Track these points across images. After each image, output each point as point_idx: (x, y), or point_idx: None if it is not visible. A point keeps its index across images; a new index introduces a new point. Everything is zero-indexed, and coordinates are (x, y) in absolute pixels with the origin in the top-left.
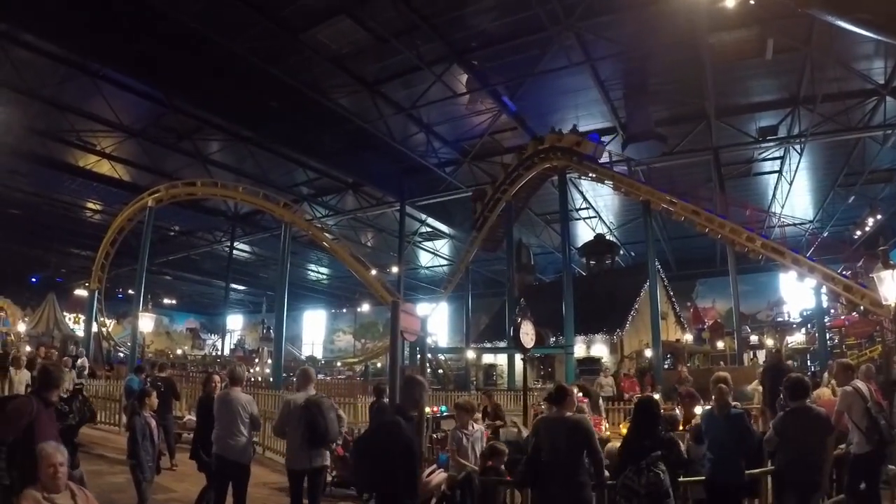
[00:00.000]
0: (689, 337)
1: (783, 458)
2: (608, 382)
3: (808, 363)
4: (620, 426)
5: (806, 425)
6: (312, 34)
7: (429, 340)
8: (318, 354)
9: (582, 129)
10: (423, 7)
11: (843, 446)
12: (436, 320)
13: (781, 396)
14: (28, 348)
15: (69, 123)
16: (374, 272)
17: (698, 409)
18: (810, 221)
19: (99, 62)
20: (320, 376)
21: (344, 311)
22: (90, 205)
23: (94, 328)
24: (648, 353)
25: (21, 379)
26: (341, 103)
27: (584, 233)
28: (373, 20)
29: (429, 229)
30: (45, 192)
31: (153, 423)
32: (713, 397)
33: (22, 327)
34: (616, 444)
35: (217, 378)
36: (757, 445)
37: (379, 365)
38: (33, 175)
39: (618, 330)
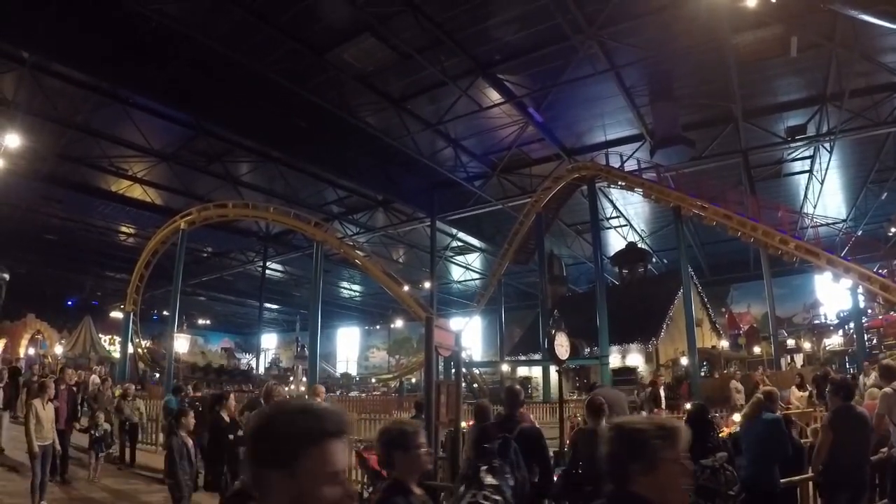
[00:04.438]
0: (724, 343)
1: (833, 460)
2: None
3: (847, 365)
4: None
5: (852, 425)
6: (337, 53)
7: (463, 355)
8: (353, 371)
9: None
10: (445, 22)
11: (884, 450)
12: (469, 334)
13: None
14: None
15: (101, 150)
16: (406, 288)
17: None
18: (843, 220)
19: (128, 89)
20: (354, 393)
21: (377, 327)
22: (124, 228)
23: (130, 349)
24: (684, 361)
25: (48, 415)
26: (368, 121)
27: (615, 242)
28: (396, 37)
29: (460, 244)
30: (80, 217)
31: (190, 442)
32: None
33: (59, 350)
34: None
35: (233, 397)
36: (795, 452)
37: (414, 381)
38: (68, 201)
39: (653, 338)
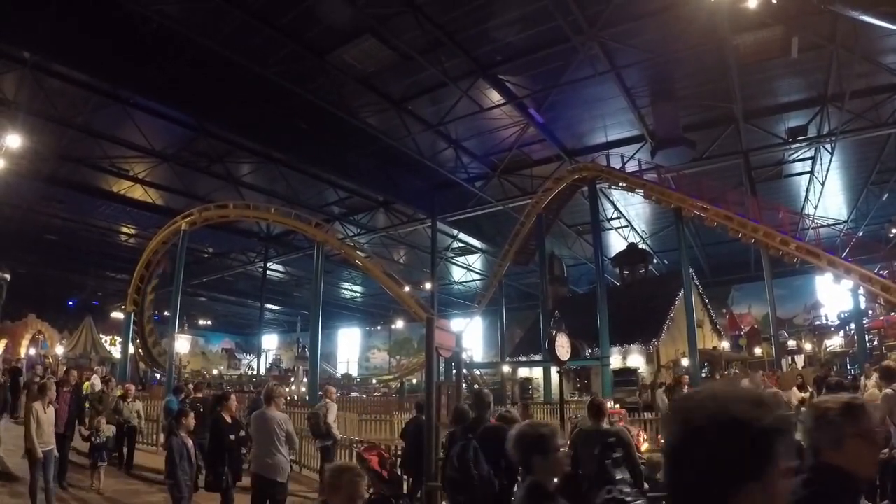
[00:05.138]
0: (725, 344)
1: None
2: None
3: (848, 366)
4: (660, 437)
5: None
6: (338, 55)
7: (464, 356)
8: (354, 372)
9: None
10: (446, 23)
11: (885, 451)
12: (470, 335)
13: None
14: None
15: (102, 150)
16: (407, 289)
17: None
18: (844, 221)
19: (129, 90)
20: (355, 394)
21: (378, 328)
22: (125, 229)
23: (131, 349)
24: (685, 362)
25: (50, 418)
26: (370, 122)
27: (616, 243)
28: (397, 38)
29: (461, 244)
30: (81, 218)
31: (190, 443)
32: None
33: (60, 350)
34: (659, 454)
35: (234, 398)
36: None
37: (414, 381)
38: (69, 201)
39: (653, 339)
